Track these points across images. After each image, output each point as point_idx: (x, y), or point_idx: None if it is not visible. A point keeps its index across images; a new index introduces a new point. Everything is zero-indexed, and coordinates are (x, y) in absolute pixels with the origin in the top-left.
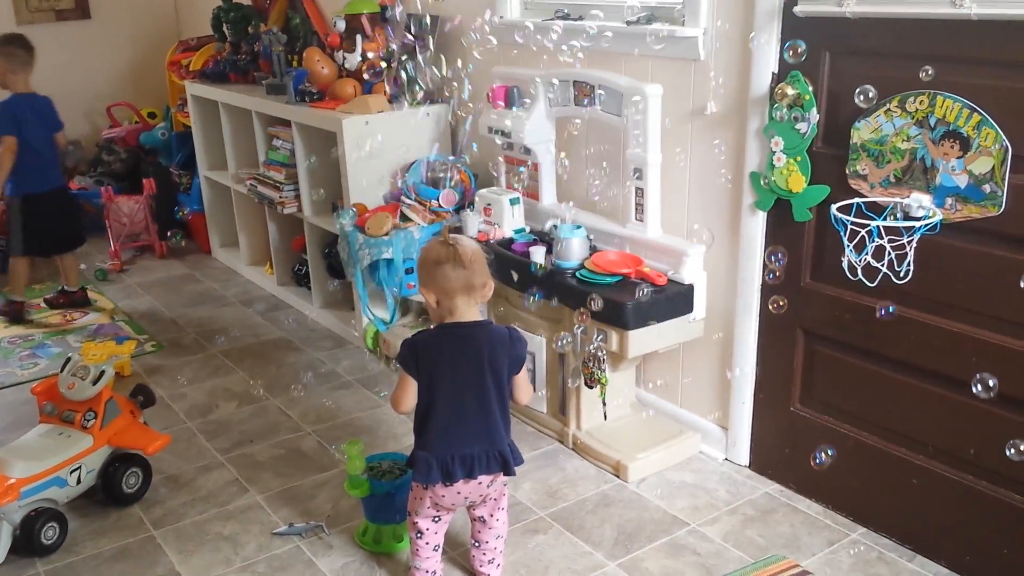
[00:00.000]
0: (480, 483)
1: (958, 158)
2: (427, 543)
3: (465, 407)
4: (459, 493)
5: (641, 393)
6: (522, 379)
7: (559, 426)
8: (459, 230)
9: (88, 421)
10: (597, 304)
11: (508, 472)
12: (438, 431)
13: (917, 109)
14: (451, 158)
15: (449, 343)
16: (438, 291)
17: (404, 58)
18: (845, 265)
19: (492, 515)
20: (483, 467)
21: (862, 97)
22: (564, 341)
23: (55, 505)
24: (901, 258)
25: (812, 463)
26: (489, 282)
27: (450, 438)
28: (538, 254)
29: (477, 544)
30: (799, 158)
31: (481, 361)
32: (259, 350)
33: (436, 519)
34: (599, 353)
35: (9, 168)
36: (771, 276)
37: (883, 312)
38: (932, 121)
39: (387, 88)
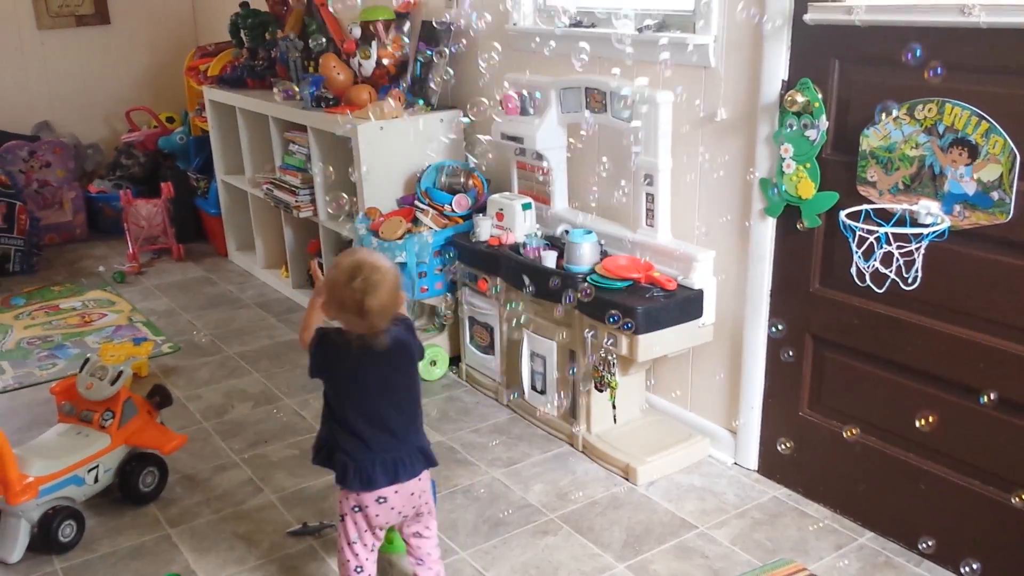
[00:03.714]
0: (412, 493)
1: (966, 165)
2: (370, 574)
3: (382, 412)
4: (393, 508)
5: (651, 397)
6: None
7: (569, 429)
8: (468, 235)
9: (106, 421)
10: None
11: (432, 463)
12: (356, 440)
13: (926, 117)
14: (464, 163)
15: (360, 352)
16: (341, 321)
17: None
18: (853, 271)
19: (428, 527)
20: (406, 469)
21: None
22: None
23: (73, 503)
24: (909, 264)
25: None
26: (399, 302)
27: (370, 446)
28: (550, 259)
29: (421, 562)
30: (808, 165)
31: (394, 364)
32: (274, 351)
33: (374, 546)
34: (609, 357)
35: None
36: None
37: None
38: (940, 129)
39: (401, 94)
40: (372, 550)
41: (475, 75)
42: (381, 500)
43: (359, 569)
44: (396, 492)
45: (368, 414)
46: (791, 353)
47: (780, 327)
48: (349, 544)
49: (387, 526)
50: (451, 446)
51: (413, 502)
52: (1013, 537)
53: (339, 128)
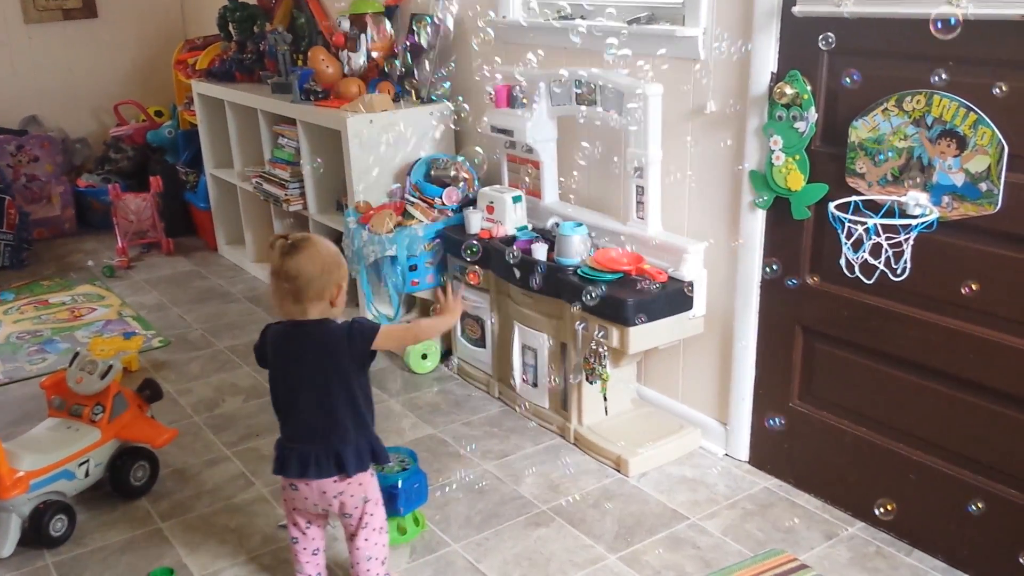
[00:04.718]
0: (325, 492)
1: (955, 157)
2: (304, 548)
3: (300, 406)
4: (307, 498)
5: (642, 388)
6: (389, 336)
7: (561, 421)
8: (462, 228)
9: (96, 415)
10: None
11: (344, 472)
12: (283, 425)
13: (914, 108)
14: (454, 156)
15: (284, 342)
16: (272, 294)
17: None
18: (843, 263)
19: (358, 535)
20: (318, 468)
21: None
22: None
23: (63, 498)
24: (898, 256)
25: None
26: (333, 289)
27: (291, 433)
28: (540, 252)
29: (352, 566)
30: (798, 157)
31: (315, 360)
32: None
33: (308, 525)
34: (600, 349)
35: None
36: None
37: None
38: (929, 120)
39: (391, 86)
40: (304, 530)
41: (466, 68)
42: (293, 487)
43: (294, 539)
44: (307, 484)
45: (287, 403)
46: (775, 267)
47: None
48: (287, 514)
49: (309, 513)
50: (443, 439)
51: (328, 500)
52: (1003, 527)
53: (328, 121)
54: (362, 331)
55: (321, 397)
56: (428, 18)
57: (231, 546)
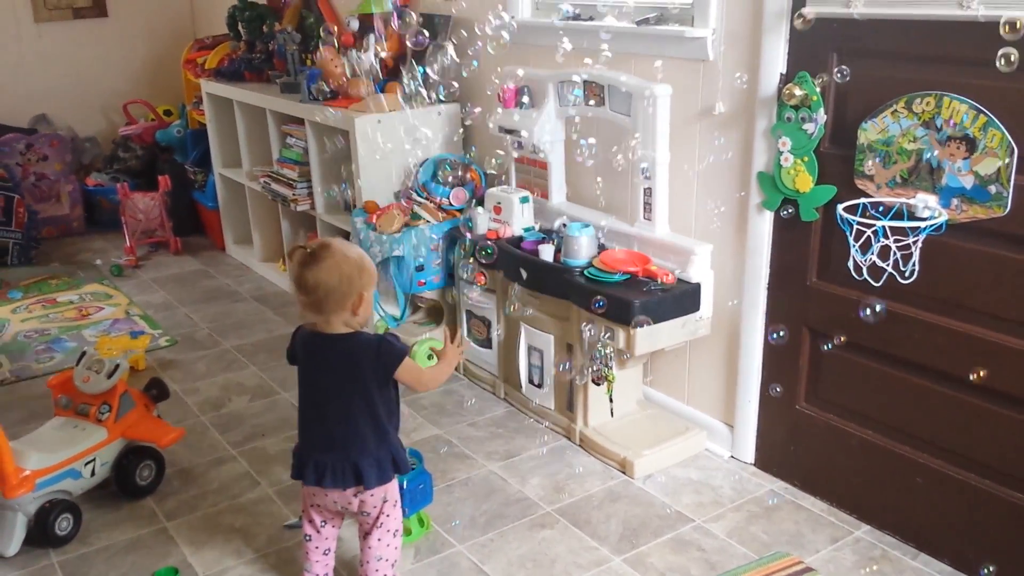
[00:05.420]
0: (345, 492)
1: (964, 159)
2: (316, 547)
3: (323, 415)
4: (327, 496)
5: (648, 390)
6: (408, 372)
7: (566, 422)
8: (469, 229)
9: (103, 414)
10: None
11: (363, 483)
12: (303, 431)
13: (924, 110)
14: (462, 157)
15: (312, 352)
16: (299, 306)
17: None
18: (851, 265)
19: (372, 534)
20: (334, 477)
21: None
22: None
23: (69, 497)
24: (906, 258)
25: None
26: (355, 298)
27: (310, 441)
28: (546, 252)
29: (361, 564)
30: (806, 158)
31: (342, 371)
32: (272, 345)
33: (323, 524)
34: (606, 350)
35: None
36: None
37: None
38: (939, 122)
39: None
40: (319, 528)
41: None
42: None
43: (307, 537)
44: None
45: (310, 411)
46: (781, 334)
47: (781, 334)
48: (304, 512)
49: (327, 511)
50: (448, 439)
51: (347, 499)
52: (1009, 529)
53: (336, 121)
54: (391, 353)
55: (345, 408)
56: (436, 17)
57: (236, 545)
